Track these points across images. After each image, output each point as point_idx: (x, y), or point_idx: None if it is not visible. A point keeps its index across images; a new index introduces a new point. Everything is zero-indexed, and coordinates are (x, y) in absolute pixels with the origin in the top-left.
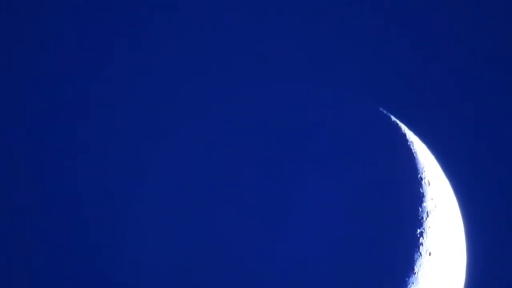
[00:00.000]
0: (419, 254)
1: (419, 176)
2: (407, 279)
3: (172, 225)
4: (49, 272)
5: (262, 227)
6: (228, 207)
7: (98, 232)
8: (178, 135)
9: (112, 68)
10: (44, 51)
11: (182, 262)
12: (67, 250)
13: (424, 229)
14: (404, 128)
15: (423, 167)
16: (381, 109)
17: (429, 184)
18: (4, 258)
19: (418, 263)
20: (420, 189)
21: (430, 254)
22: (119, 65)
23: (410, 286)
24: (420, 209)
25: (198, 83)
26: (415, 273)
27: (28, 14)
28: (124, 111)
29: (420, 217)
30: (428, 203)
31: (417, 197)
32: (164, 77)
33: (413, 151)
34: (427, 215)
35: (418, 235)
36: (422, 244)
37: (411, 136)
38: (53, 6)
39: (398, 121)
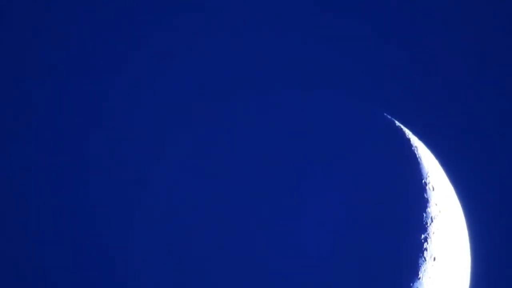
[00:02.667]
0: (423, 259)
1: (423, 181)
2: (411, 284)
3: (175, 226)
4: (52, 272)
5: (264, 229)
6: (230, 208)
7: (100, 233)
8: (181, 137)
9: (114, 70)
10: (45, 54)
11: (185, 263)
12: (70, 251)
13: (428, 234)
14: (408, 133)
15: (428, 172)
16: (385, 114)
17: (433, 189)
18: (6, 257)
19: (422, 268)
20: (425, 194)
21: (434, 259)
22: (121, 68)
23: None
24: (425, 215)
25: (200, 85)
26: (420, 278)
27: (30, 17)
28: (125, 113)
29: (424, 222)
30: (433, 208)
31: (422, 202)
32: (167, 78)
33: (417, 156)
34: (432, 220)
35: (423, 240)
36: (426, 249)
37: (415, 141)
38: (53, 6)
39: (402, 126)
